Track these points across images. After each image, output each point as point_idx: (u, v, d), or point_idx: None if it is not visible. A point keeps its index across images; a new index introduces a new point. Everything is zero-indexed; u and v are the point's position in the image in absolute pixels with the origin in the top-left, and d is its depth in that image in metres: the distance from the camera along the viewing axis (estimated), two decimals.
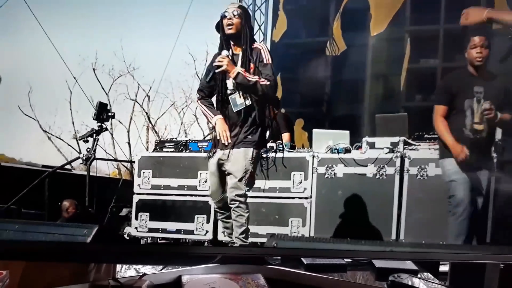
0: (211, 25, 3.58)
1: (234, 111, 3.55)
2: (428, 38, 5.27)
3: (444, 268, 2.90)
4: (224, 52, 3.49)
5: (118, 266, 3.03)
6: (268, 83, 3.49)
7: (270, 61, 3.54)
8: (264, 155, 3.71)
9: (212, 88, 3.63)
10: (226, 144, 3.51)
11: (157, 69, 4.50)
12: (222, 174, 3.62)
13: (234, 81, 3.49)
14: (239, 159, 3.54)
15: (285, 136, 4.64)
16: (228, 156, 3.55)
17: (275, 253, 3.02)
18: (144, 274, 2.56)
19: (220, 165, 3.60)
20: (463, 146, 3.48)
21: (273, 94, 3.64)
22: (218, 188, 3.65)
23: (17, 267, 2.48)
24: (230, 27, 3.50)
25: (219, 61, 3.46)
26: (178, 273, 2.59)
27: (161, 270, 2.86)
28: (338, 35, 5.17)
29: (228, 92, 3.56)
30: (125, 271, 3.07)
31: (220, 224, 3.84)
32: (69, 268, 2.70)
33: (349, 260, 2.98)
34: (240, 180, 3.54)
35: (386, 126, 4.44)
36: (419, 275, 2.71)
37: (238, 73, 3.47)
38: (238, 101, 3.55)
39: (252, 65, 3.53)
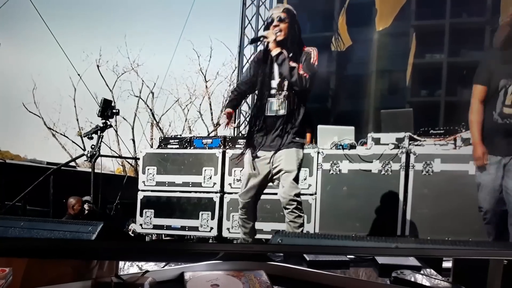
0: (215, 21, 3.57)
1: (267, 114, 3.45)
2: (434, 33, 5.28)
3: (447, 264, 2.91)
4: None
5: (121, 263, 2.98)
6: (306, 75, 3.38)
7: (317, 63, 3.44)
8: None
9: (251, 85, 3.55)
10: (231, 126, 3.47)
11: (161, 65, 4.53)
12: (265, 174, 3.49)
13: (276, 64, 3.40)
14: (292, 158, 3.43)
15: (308, 136, 4.51)
16: (276, 156, 3.44)
17: (278, 250, 3.05)
18: (147, 271, 2.56)
19: (263, 164, 3.49)
20: (485, 151, 3.36)
21: (308, 89, 3.45)
22: (253, 188, 3.52)
23: (20, 264, 2.50)
24: (279, 33, 3.39)
25: (265, 34, 3.38)
26: (181, 269, 2.60)
27: (163, 267, 2.82)
28: (343, 30, 5.17)
29: (271, 92, 3.46)
30: (128, 268, 2.97)
31: (238, 223, 3.71)
32: (71, 265, 2.69)
33: (352, 256, 3.03)
34: (295, 179, 3.44)
35: (392, 121, 4.44)
36: (422, 271, 2.71)
37: (281, 52, 3.38)
38: (274, 106, 3.47)
39: (300, 65, 3.43)
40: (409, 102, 5.22)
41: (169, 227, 4.38)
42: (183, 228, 4.36)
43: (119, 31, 4.40)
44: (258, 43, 3.55)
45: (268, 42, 3.39)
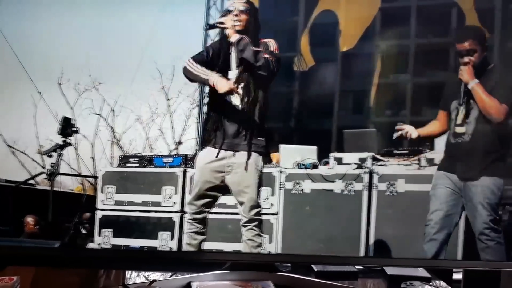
0: (178, 40, 3.59)
1: (224, 110, 3.33)
2: (399, 53, 5.40)
3: (457, 276, 2.98)
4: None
5: (128, 273, 3.10)
6: (273, 58, 3.29)
7: (278, 51, 3.36)
8: None
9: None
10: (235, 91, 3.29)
11: (123, 84, 4.58)
12: (217, 179, 3.37)
13: (236, 49, 3.27)
14: (251, 169, 3.30)
15: (275, 156, 4.57)
16: (232, 162, 3.32)
17: (285, 260, 3.16)
18: (154, 281, 2.69)
19: (217, 172, 3.36)
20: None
21: (273, 75, 3.34)
22: (204, 196, 3.40)
23: (28, 273, 2.63)
24: (238, 23, 3.30)
25: (223, 20, 3.30)
26: (188, 279, 2.72)
27: (170, 276, 2.94)
28: (305, 50, 5.30)
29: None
30: (135, 278, 3.13)
31: (186, 239, 3.58)
32: (79, 274, 2.84)
33: (360, 267, 3.10)
34: (256, 195, 3.33)
35: (355, 141, 4.55)
36: (431, 283, 2.83)
37: (242, 37, 3.26)
38: (234, 101, 3.36)
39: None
40: (373, 122, 5.32)
41: (127, 247, 4.39)
42: (141, 248, 4.38)
43: (81, 50, 4.46)
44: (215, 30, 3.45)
45: (225, 29, 3.30)
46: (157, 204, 4.38)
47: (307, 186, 4.27)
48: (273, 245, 4.23)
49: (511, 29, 4.78)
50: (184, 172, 4.33)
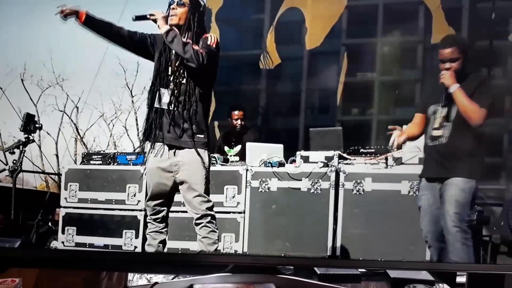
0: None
1: (159, 106, 3.34)
2: (365, 52, 5.43)
3: (461, 279, 2.95)
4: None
5: (130, 275, 3.12)
6: (203, 51, 3.27)
7: (214, 46, 3.35)
8: None
9: (133, 45, 3.43)
10: None
11: (87, 80, 4.53)
12: (168, 179, 3.40)
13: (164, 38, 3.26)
14: (195, 167, 3.32)
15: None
16: (177, 160, 3.33)
17: (288, 263, 3.16)
18: (156, 283, 2.75)
19: (164, 170, 3.39)
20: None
21: (205, 65, 3.29)
22: (161, 193, 3.43)
23: (30, 274, 2.66)
24: (172, 17, 3.32)
25: (152, 12, 3.27)
26: (190, 282, 2.74)
27: (172, 279, 2.96)
28: (271, 48, 5.29)
29: (167, 80, 3.35)
30: (137, 280, 3.13)
31: (148, 239, 3.63)
32: (81, 276, 2.86)
33: (363, 270, 3.11)
34: (205, 190, 3.35)
35: (321, 140, 4.56)
36: (435, 286, 2.83)
37: (171, 29, 3.27)
38: (165, 98, 3.37)
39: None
40: (339, 120, 5.33)
41: (91, 245, 4.38)
42: (106, 246, 4.36)
43: (44, 45, 4.43)
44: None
45: (156, 20, 3.29)
46: (121, 202, 4.36)
47: (274, 184, 4.27)
48: (239, 244, 4.24)
49: (478, 28, 4.83)
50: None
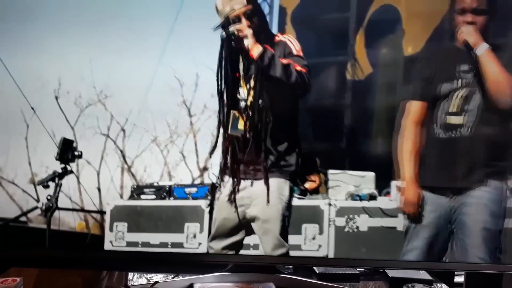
0: (200, 42, 3.28)
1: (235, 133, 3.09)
2: None
3: (459, 278, 3.08)
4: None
5: (130, 274, 3.35)
6: (304, 70, 2.94)
7: (302, 53, 3.04)
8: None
9: None
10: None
11: (135, 97, 4.18)
12: (237, 218, 3.21)
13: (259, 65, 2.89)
14: (274, 199, 3.05)
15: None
16: (251, 191, 3.11)
17: (287, 262, 3.28)
18: (156, 282, 3.00)
19: (235, 205, 3.21)
20: (419, 192, 3.10)
21: (308, 92, 3.09)
22: (224, 237, 3.25)
23: (31, 274, 2.87)
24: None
25: (238, 27, 2.85)
26: (190, 281, 2.99)
27: (172, 278, 3.17)
28: (361, 55, 4.64)
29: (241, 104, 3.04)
30: (137, 279, 3.31)
31: None
32: (81, 276, 3.10)
33: (362, 269, 3.39)
34: (281, 233, 3.10)
35: None
36: (433, 285, 2.95)
37: (265, 49, 2.84)
38: (241, 124, 3.08)
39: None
40: None
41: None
42: None
43: (83, 55, 4.04)
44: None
45: (240, 37, 2.87)
46: (179, 245, 3.90)
47: (363, 222, 3.78)
48: None
49: None
50: (211, 205, 3.85)
